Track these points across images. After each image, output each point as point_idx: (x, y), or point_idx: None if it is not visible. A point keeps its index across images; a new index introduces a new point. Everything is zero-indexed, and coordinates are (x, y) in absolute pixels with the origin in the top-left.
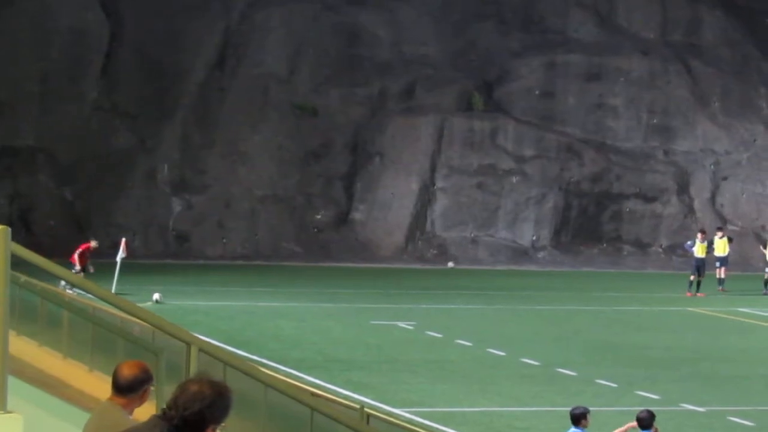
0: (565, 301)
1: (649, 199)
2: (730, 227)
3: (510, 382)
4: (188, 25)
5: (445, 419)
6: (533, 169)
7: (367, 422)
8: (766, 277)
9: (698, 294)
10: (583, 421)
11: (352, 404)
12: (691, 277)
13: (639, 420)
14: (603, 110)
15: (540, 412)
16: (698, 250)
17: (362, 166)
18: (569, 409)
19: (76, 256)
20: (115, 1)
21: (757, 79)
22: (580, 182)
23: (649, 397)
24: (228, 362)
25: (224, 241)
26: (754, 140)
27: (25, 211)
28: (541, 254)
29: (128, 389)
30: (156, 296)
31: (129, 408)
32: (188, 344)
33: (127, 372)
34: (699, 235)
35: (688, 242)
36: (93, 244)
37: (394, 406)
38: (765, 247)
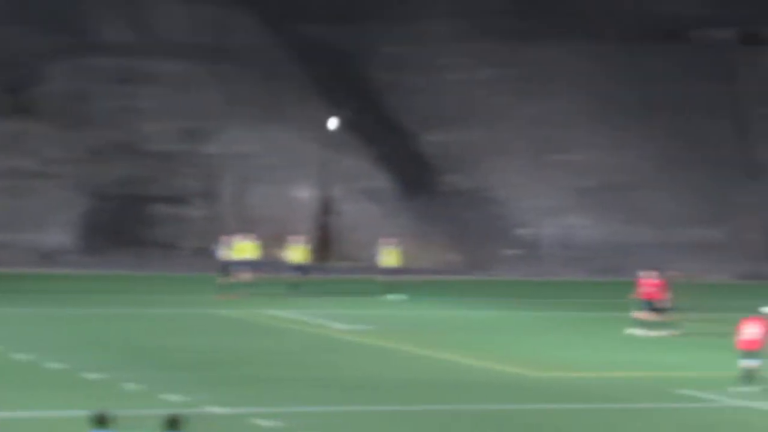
0: (94, 305)
1: (178, 201)
2: (259, 231)
3: (35, 387)
4: None
5: None
6: (62, 173)
7: None
8: (294, 279)
9: (229, 296)
10: (105, 424)
11: None
12: (222, 280)
13: (165, 423)
14: (134, 113)
15: (63, 417)
16: (226, 253)
17: None
18: (92, 413)
19: None
20: None
21: (286, 84)
22: (110, 185)
23: (175, 400)
24: None
25: None
26: (284, 144)
27: None
28: (69, 257)
29: None
30: None
31: None
32: None
33: None
34: (225, 238)
35: (213, 246)
36: None
37: None
38: (286, 250)
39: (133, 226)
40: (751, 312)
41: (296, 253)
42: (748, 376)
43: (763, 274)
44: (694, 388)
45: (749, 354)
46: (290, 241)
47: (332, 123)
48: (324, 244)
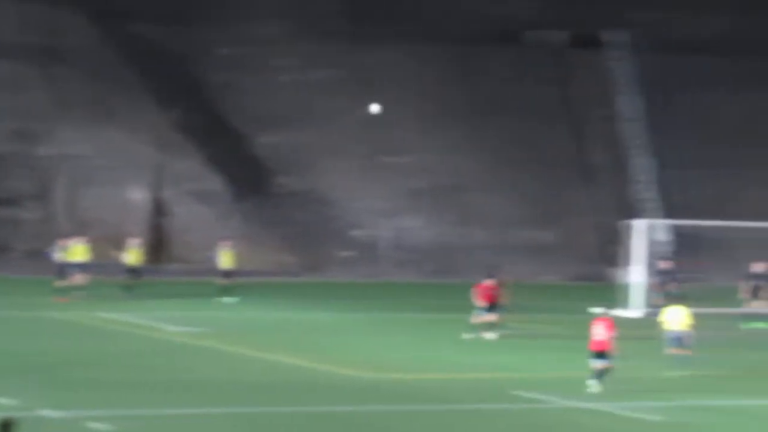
0: None
1: (10, 203)
2: (92, 233)
3: None
4: None
5: None
6: None
7: None
8: (128, 282)
9: (65, 299)
10: None
11: None
12: (58, 283)
13: None
14: None
15: None
16: (61, 255)
17: None
18: None
19: None
20: None
21: (118, 85)
22: None
23: (6, 404)
24: None
25: None
26: (116, 146)
27: None
28: None
29: None
30: None
31: None
32: None
33: None
34: (60, 241)
35: (47, 250)
36: None
37: None
38: (123, 252)
39: None
40: (585, 314)
41: (131, 255)
42: (598, 377)
43: (595, 275)
44: (530, 389)
45: (599, 354)
46: (128, 243)
47: (374, 108)
48: (157, 246)
